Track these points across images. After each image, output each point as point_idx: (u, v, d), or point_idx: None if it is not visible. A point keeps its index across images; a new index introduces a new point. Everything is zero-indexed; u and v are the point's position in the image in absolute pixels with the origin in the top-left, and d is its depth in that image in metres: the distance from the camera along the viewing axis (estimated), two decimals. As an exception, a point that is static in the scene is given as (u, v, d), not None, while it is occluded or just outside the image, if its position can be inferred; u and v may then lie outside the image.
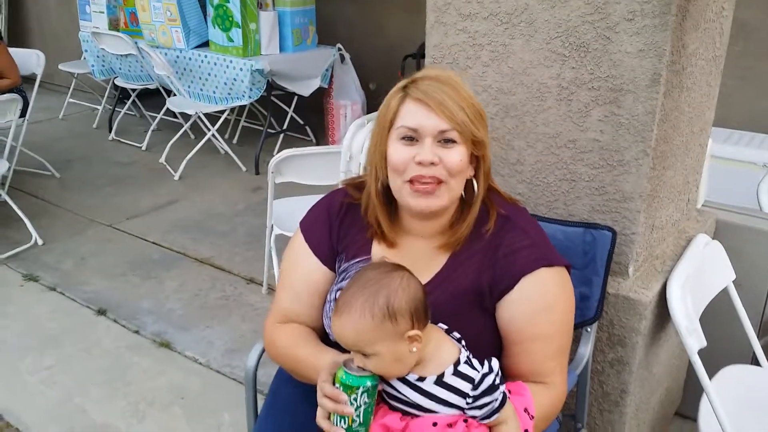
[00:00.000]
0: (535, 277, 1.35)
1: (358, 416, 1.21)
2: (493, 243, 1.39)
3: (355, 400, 1.20)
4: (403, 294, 1.19)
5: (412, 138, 1.31)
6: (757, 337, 2.07)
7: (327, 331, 1.48)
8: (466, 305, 1.38)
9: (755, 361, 2.06)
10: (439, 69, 1.39)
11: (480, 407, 1.20)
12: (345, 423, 1.21)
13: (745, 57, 4.01)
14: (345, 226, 1.49)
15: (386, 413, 1.27)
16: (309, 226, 1.52)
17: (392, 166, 1.33)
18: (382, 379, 1.25)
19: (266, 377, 1.72)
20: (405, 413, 1.26)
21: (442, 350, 1.25)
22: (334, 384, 1.23)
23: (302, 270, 1.50)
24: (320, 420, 1.24)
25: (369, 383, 1.20)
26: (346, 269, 1.46)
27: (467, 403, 1.20)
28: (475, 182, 1.39)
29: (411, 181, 1.31)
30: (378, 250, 1.45)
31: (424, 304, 1.22)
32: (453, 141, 1.31)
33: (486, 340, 1.38)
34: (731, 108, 3.90)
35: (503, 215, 1.42)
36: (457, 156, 1.31)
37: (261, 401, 1.67)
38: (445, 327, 1.31)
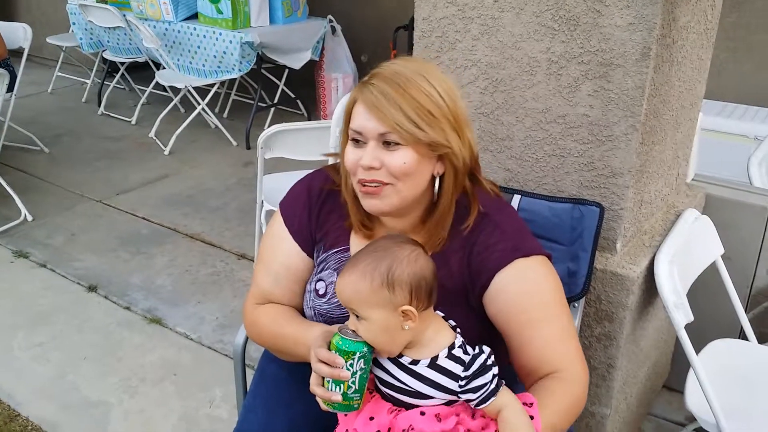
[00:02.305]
0: (511, 269, 1.32)
1: (354, 382, 1.20)
2: (470, 241, 1.36)
3: (351, 365, 1.19)
4: (407, 266, 1.18)
5: (359, 141, 1.29)
6: (745, 311, 2.08)
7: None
8: (450, 303, 1.34)
9: (743, 336, 2.07)
10: (402, 61, 1.31)
11: (474, 390, 1.18)
12: (340, 389, 1.20)
13: (738, 29, 3.99)
14: (324, 212, 1.46)
15: (378, 402, 1.27)
16: (289, 209, 1.49)
17: (346, 167, 1.32)
18: (376, 364, 1.24)
19: (257, 352, 1.73)
20: (397, 403, 1.25)
21: (439, 336, 1.24)
22: (329, 350, 1.22)
23: (282, 254, 1.47)
24: (314, 387, 1.23)
25: (365, 348, 1.20)
26: (325, 259, 1.44)
27: (460, 386, 1.19)
28: (438, 181, 1.33)
29: (359, 182, 1.30)
30: (356, 241, 1.42)
31: (429, 285, 1.20)
32: (396, 143, 1.26)
33: (472, 336, 1.34)
34: (723, 80, 3.89)
35: (482, 212, 1.37)
36: (399, 159, 1.26)
37: (251, 375, 1.67)
38: (442, 314, 1.29)
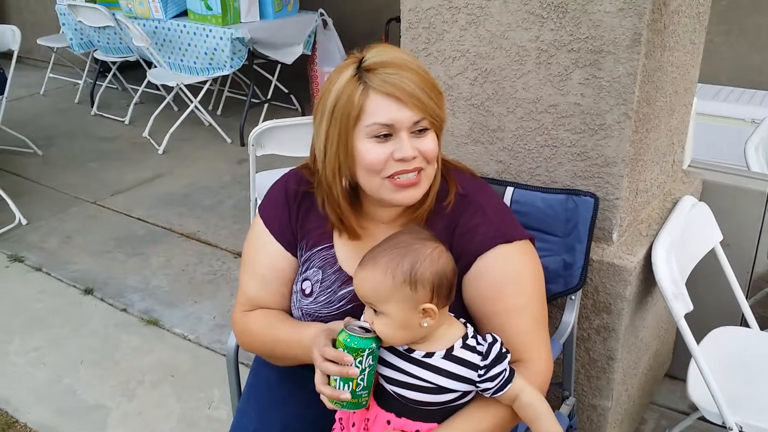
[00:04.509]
0: (492, 255, 1.31)
1: (362, 380, 1.19)
2: (451, 222, 1.35)
3: (360, 362, 1.18)
4: (431, 264, 1.17)
5: (385, 134, 1.25)
6: (746, 298, 2.06)
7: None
8: None
9: (744, 323, 2.05)
10: (391, 48, 1.30)
11: (492, 378, 1.19)
12: (349, 387, 1.19)
13: (732, 11, 3.95)
14: (303, 211, 1.44)
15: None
16: (268, 211, 1.47)
17: (367, 167, 1.26)
18: (382, 362, 1.23)
19: (252, 351, 1.70)
20: (401, 409, 1.23)
21: (451, 330, 1.24)
22: (335, 348, 1.20)
23: (266, 257, 1.45)
24: (320, 386, 1.21)
25: (374, 345, 1.19)
26: (309, 258, 1.42)
27: (479, 375, 1.19)
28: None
29: (391, 177, 1.26)
30: (339, 239, 1.40)
31: (450, 283, 1.20)
32: (426, 129, 1.26)
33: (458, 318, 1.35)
34: (718, 64, 3.85)
35: (461, 194, 1.37)
36: (432, 143, 1.27)
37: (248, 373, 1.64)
38: None
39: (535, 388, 1.26)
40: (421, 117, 1.24)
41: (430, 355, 1.21)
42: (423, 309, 1.17)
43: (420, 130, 1.26)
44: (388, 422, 1.24)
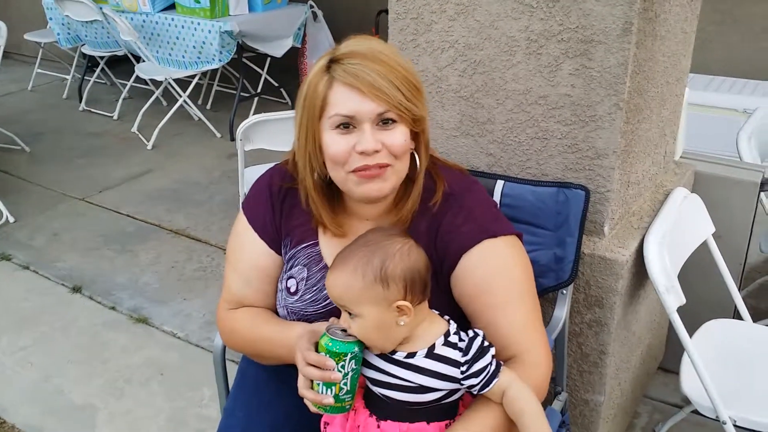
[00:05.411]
0: (477, 250, 1.29)
1: (345, 384, 1.17)
2: (435, 222, 1.32)
3: (343, 367, 1.16)
4: (401, 260, 1.15)
5: (348, 125, 1.22)
6: (739, 290, 2.04)
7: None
8: None
9: (737, 315, 2.03)
10: (366, 39, 1.27)
11: (476, 374, 1.16)
12: (332, 391, 1.17)
13: (725, 0, 3.93)
14: (287, 207, 1.41)
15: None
16: (252, 208, 1.44)
17: (331, 159, 1.24)
18: (367, 365, 1.21)
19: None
20: (390, 406, 1.21)
21: (433, 327, 1.21)
22: (317, 352, 1.18)
23: (249, 255, 1.42)
24: (303, 391, 1.19)
25: (356, 348, 1.16)
26: (294, 255, 1.39)
27: (462, 372, 1.16)
28: (416, 156, 1.31)
29: (355, 171, 1.23)
30: (324, 235, 1.38)
31: (423, 278, 1.17)
32: (393, 120, 1.22)
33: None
34: (710, 53, 3.84)
35: (448, 192, 1.34)
36: (400, 137, 1.23)
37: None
38: None
39: (534, 382, 1.23)
40: (385, 109, 1.20)
41: (412, 355, 1.18)
42: (397, 307, 1.15)
43: (386, 122, 1.22)
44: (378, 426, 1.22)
